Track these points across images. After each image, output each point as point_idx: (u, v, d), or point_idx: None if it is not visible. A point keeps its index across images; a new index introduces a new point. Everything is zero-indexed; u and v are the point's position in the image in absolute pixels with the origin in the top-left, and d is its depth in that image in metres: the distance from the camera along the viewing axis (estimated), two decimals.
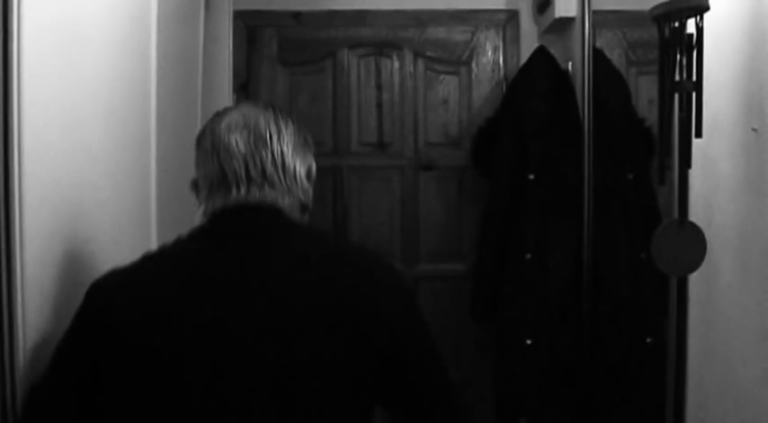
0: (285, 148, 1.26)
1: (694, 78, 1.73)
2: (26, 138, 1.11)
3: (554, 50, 2.93)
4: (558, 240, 2.69)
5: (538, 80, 2.84)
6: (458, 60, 3.19)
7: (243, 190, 1.22)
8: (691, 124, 1.73)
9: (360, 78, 3.19)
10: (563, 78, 2.87)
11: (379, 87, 3.18)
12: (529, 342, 2.68)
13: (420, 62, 3.19)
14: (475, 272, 2.92)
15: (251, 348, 1.13)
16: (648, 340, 2.61)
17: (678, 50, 1.73)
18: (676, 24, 1.72)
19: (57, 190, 1.25)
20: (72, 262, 1.32)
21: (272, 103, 1.40)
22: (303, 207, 1.30)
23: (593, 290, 2.64)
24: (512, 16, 3.18)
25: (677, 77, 1.74)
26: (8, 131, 1.09)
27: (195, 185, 1.31)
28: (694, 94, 1.73)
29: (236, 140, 1.23)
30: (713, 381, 2.04)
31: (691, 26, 1.74)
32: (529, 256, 2.70)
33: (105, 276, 1.21)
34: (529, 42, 3.13)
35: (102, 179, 1.48)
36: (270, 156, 1.24)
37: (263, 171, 1.23)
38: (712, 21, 1.76)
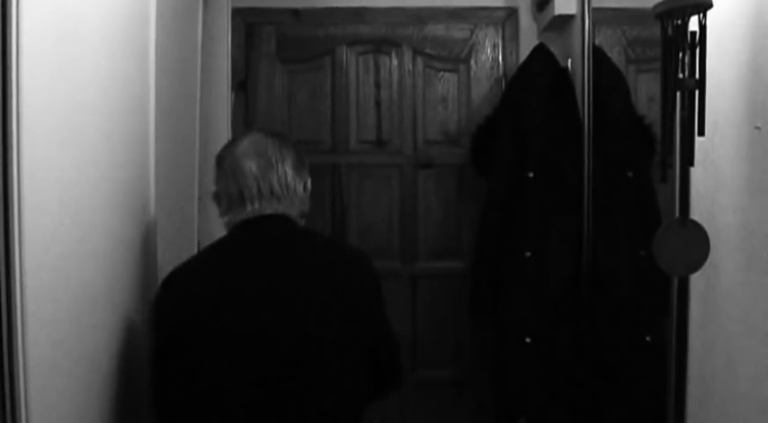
0: (287, 170, 1.64)
1: (697, 76, 1.72)
2: (25, 135, 1.10)
3: (553, 48, 2.93)
4: (558, 238, 2.69)
5: (537, 78, 2.83)
6: (457, 58, 3.18)
7: (257, 204, 1.61)
8: (693, 122, 1.72)
9: (358, 76, 3.18)
10: (562, 76, 2.87)
11: (377, 85, 3.17)
12: (528, 340, 2.68)
13: (419, 60, 3.18)
14: (474, 270, 2.91)
15: (280, 321, 1.52)
16: (648, 338, 2.61)
17: (681, 48, 1.72)
18: (679, 22, 1.72)
19: (56, 187, 1.24)
20: (71, 260, 1.31)
21: (276, 131, 1.81)
22: (302, 214, 1.69)
23: (593, 288, 2.64)
24: (511, 13, 3.17)
25: (680, 75, 1.73)
26: (7, 129, 1.08)
27: (217, 197, 1.69)
28: (697, 92, 1.72)
29: (250, 166, 1.61)
30: (714, 379, 2.04)
31: (694, 24, 1.74)
32: (528, 254, 2.70)
33: (168, 278, 1.62)
34: (528, 40, 3.12)
35: (102, 176, 1.48)
36: (276, 177, 1.62)
37: (271, 189, 1.61)
38: (715, 18, 1.75)
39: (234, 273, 1.56)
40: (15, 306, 1.11)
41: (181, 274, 1.62)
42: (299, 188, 1.66)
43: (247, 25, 3.12)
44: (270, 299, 1.53)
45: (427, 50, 3.17)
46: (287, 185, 1.63)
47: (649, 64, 2.85)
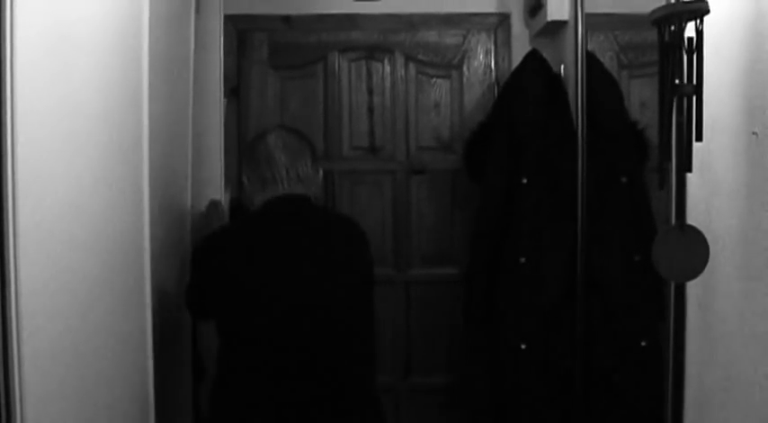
0: (308, 160, 2.06)
1: (694, 82, 1.72)
2: (20, 142, 1.11)
3: (546, 54, 2.93)
4: (552, 244, 2.69)
5: (530, 84, 2.83)
6: (449, 64, 3.18)
7: (286, 186, 2.01)
8: (691, 128, 1.72)
9: (351, 82, 3.17)
10: (555, 82, 2.87)
11: (370, 91, 3.16)
12: (523, 346, 2.67)
13: (411, 66, 3.18)
14: (468, 276, 2.90)
15: (308, 279, 1.92)
16: (643, 343, 2.60)
17: (678, 54, 1.71)
18: (676, 28, 1.71)
19: (50, 194, 1.24)
20: (66, 264, 1.32)
21: (294, 128, 2.27)
22: (316, 197, 2.09)
23: (588, 293, 2.63)
24: (503, 19, 3.18)
25: (677, 81, 1.73)
26: (2, 136, 1.09)
27: (249, 179, 2.06)
28: (695, 98, 1.72)
29: (279, 156, 2.03)
30: (712, 385, 2.03)
31: (690, 29, 1.73)
32: (523, 259, 2.69)
33: (208, 238, 2.03)
34: (520, 46, 3.13)
35: (96, 181, 1.48)
36: (301, 165, 2.04)
37: (298, 175, 2.03)
38: (712, 24, 1.75)
39: (271, 237, 1.97)
40: (10, 309, 1.11)
41: (225, 235, 2.04)
42: (316, 176, 2.10)
43: (239, 32, 3.11)
44: (301, 261, 1.94)
45: (419, 57, 3.17)
46: (307, 173, 2.04)
47: (642, 69, 2.86)
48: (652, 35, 1.83)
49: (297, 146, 2.07)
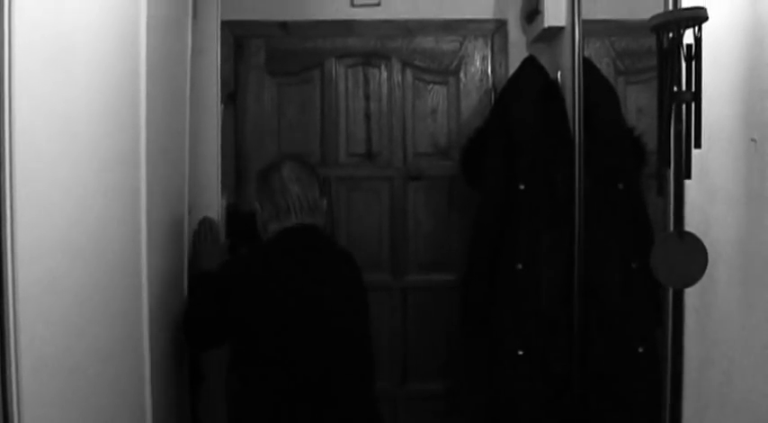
0: (316, 191, 2.27)
1: (693, 89, 1.72)
2: (18, 150, 1.11)
3: (542, 60, 2.93)
4: (549, 250, 2.69)
5: (527, 90, 2.84)
6: (446, 70, 3.19)
7: (299, 215, 2.22)
8: (690, 135, 1.72)
9: (348, 88, 3.17)
10: (552, 88, 2.87)
11: (367, 97, 3.16)
12: (521, 352, 2.67)
13: (408, 72, 3.18)
14: (465, 282, 2.90)
15: (325, 303, 2.12)
16: (640, 349, 2.60)
17: (677, 61, 1.72)
18: (675, 34, 1.72)
19: (48, 201, 1.25)
20: (63, 272, 1.32)
21: (304, 160, 2.44)
22: (323, 225, 2.30)
23: (585, 299, 2.64)
24: (500, 26, 3.18)
25: (676, 88, 1.73)
26: (0, 142, 1.09)
27: (262, 207, 2.26)
28: (693, 105, 1.72)
29: (293, 187, 2.22)
30: (711, 392, 2.03)
31: (689, 36, 1.74)
32: (520, 266, 2.69)
33: (230, 266, 2.22)
34: (517, 52, 3.13)
35: (93, 188, 1.48)
36: (311, 196, 2.24)
37: (309, 205, 2.23)
38: (711, 31, 1.75)
39: (290, 265, 2.14)
40: (8, 316, 1.11)
41: (249, 264, 2.18)
42: (323, 205, 2.30)
43: (236, 38, 3.11)
44: (318, 287, 2.13)
45: (416, 63, 3.17)
46: (316, 203, 2.26)
47: (638, 75, 2.86)
48: (649, 41, 1.84)
49: (308, 177, 2.27)
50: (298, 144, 3.14)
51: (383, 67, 3.17)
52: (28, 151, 1.15)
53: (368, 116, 3.16)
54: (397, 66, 3.17)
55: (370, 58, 3.16)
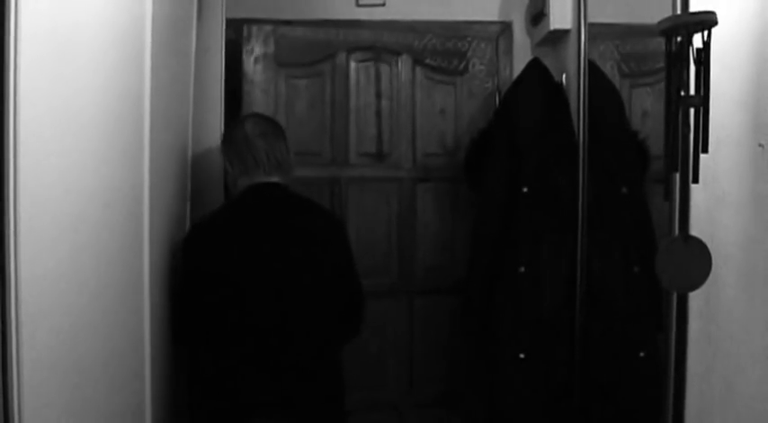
0: (283, 145, 2.27)
1: (701, 93, 1.71)
2: (22, 144, 1.11)
3: (547, 62, 2.92)
4: (552, 254, 2.68)
5: (532, 92, 2.83)
6: (453, 71, 3.16)
7: (267, 170, 2.22)
8: (698, 139, 1.72)
9: (359, 84, 3.12)
10: (557, 91, 2.86)
11: (378, 95, 3.11)
12: (522, 356, 2.66)
13: (419, 70, 3.14)
14: (467, 285, 2.89)
15: (284, 262, 2.13)
16: (642, 354, 2.59)
17: (685, 65, 1.71)
18: (684, 39, 1.71)
19: (52, 195, 1.25)
20: (66, 264, 1.32)
21: (267, 116, 2.49)
22: (289, 182, 2.28)
23: (587, 303, 2.63)
24: (505, 28, 3.17)
25: (683, 92, 1.73)
26: (4, 138, 1.09)
27: (230, 164, 2.27)
28: (701, 109, 1.71)
29: (258, 143, 2.23)
30: (714, 396, 2.03)
31: (698, 41, 1.73)
32: (522, 269, 2.68)
33: (190, 232, 2.21)
34: (522, 54, 3.12)
35: (97, 180, 1.48)
36: (278, 150, 2.24)
37: (276, 160, 2.23)
38: (720, 36, 1.75)
39: (250, 227, 2.15)
40: (10, 311, 1.11)
41: (206, 225, 2.18)
42: (290, 158, 2.29)
43: (240, 36, 3.08)
44: (278, 249, 2.13)
45: (427, 61, 3.13)
46: (284, 158, 2.25)
47: (643, 79, 2.86)
48: (653, 44, 1.83)
49: (273, 132, 2.27)
50: (307, 142, 3.08)
51: (393, 64, 3.12)
52: (32, 147, 1.15)
53: (378, 114, 3.11)
54: (407, 62, 3.12)
55: (380, 54, 3.10)
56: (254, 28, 3.02)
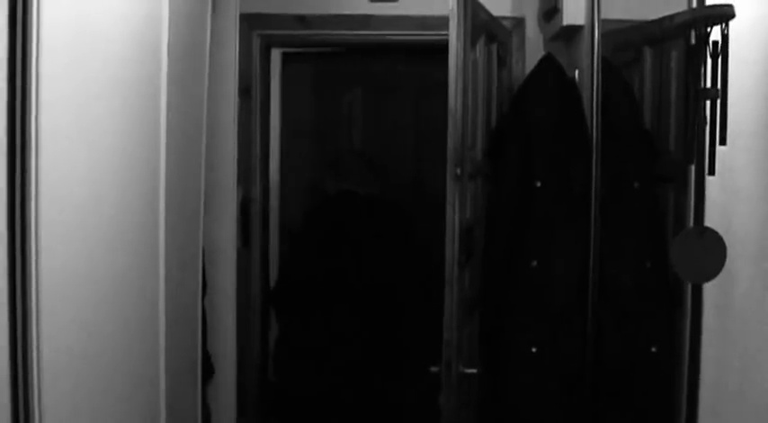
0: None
1: (719, 85, 1.72)
2: (43, 133, 1.13)
3: (560, 58, 2.92)
4: (564, 248, 2.68)
5: (545, 88, 2.83)
6: None
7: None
8: (715, 131, 1.72)
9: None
10: (570, 86, 2.86)
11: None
12: (534, 350, 2.66)
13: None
14: (479, 279, 2.89)
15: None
16: (653, 349, 2.60)
17: (703, 57, 1.72)
18: (701, 32, 1.72)
19: (70, 186, 1.27)
20: (83, 260, 1.34)
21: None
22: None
23: (599, 298, 2.63)
24: (517, 23, 3.17)
25: (701, 84, 1.73)
26: (25, 128, 1.11)
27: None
28: (719, 102, 1.72)
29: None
30: (728, 389, 2.03)
31: (716, 34, 1.74)
32: (535, 263, 2.68)
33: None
34: (534, 50, 3.12)
35: (113, 176, 1.50)
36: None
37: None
38: (737, 28, 1.75)
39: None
40: (31, 307, 1.13)
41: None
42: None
43: (255, 31, 3.09)
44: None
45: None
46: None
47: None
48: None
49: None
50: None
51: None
52: (52, 143, 1.16)
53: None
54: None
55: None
56: (264, 33, 3.04)
